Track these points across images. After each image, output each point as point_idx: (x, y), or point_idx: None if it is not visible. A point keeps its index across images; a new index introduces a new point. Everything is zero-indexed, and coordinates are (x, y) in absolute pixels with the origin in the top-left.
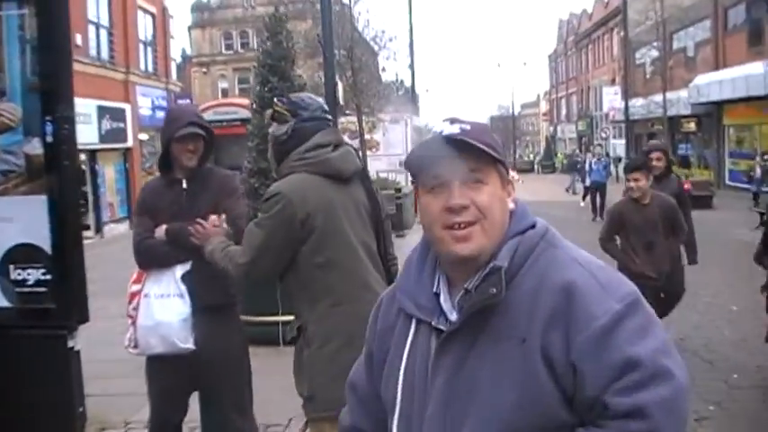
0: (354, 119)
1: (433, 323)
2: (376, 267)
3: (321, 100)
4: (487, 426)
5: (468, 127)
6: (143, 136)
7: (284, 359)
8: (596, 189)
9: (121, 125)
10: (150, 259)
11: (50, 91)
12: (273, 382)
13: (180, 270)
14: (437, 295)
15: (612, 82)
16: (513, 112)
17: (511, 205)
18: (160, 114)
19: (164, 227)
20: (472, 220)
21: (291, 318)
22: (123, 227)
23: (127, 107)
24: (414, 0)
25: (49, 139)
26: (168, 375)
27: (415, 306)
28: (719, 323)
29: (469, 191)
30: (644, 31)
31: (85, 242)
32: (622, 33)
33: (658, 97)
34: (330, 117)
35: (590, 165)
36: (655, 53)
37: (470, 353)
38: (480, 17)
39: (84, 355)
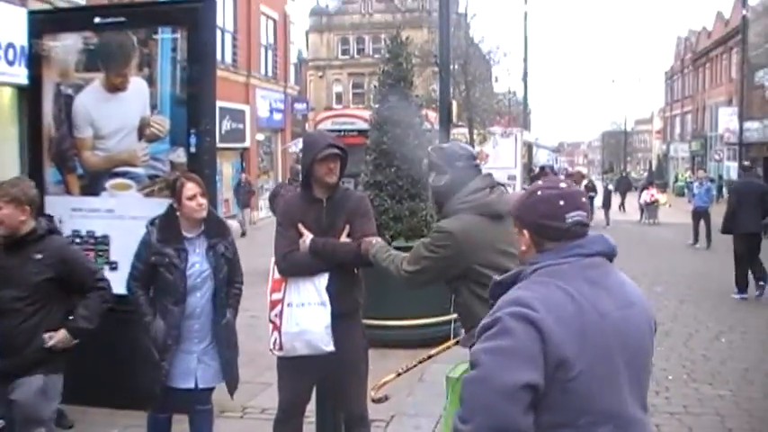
0: (465, 130)
1: None
2: None
3: (470, 148)
4: None
5: None
6: (260, 136)
7: (387, 361)
8: (699, 215)
9: (240, 126)
10: (297, 269)
11: (196, 106)
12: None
13: (322, 280)
14: None
15: (729, 103)
16: (625, 128)
17: None
18: (277, 117)
19: (308, 240)
20: None
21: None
22: (235, 223)
23: (246, 108)
24: (529, 14)
25: (193, 149)
26: (299, 372)
27: None
28: None
29: None
30: (764, 53)
31: None
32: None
33: None
34: (479, 163)
35: (692, 189)
36: None
37: None
38: (596, 32)
39: None
